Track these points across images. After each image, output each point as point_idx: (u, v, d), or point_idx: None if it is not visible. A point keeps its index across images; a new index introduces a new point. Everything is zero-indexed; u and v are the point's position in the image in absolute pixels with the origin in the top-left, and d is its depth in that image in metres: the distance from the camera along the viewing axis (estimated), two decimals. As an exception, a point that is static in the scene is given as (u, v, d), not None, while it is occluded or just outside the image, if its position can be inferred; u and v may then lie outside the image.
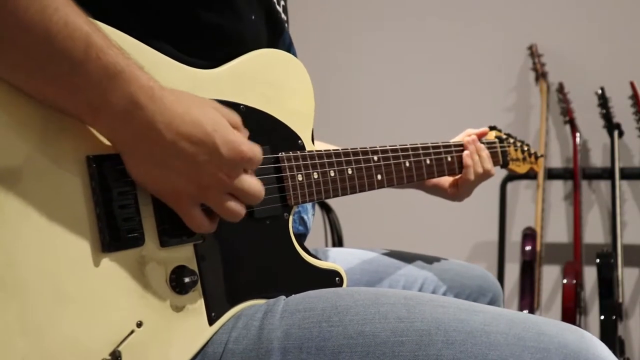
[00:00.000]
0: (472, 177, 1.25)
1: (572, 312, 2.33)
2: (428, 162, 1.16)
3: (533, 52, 2.73)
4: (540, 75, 2.71)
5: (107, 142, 0.74)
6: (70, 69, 0.68)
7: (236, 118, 0.80)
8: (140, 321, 0.74)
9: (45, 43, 0.67)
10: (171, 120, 0.73)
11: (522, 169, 1.47)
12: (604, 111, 2.58)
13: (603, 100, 2.58)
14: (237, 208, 0.80)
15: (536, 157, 1.51)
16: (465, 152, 1.26)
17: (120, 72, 0.70)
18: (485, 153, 1.29)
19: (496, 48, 2.83)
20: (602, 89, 2.59)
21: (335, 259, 1.27)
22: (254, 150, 0.79)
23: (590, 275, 2.63)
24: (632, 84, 2.54)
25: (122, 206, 0.74)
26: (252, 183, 0.80)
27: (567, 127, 2.70)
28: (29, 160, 0.69)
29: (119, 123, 0.72)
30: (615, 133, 2.55)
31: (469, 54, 2.85)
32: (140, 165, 0.74)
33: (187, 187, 0.76)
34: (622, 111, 2.58)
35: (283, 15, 1.09)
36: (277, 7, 1.06)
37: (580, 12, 2.72)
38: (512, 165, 1.42)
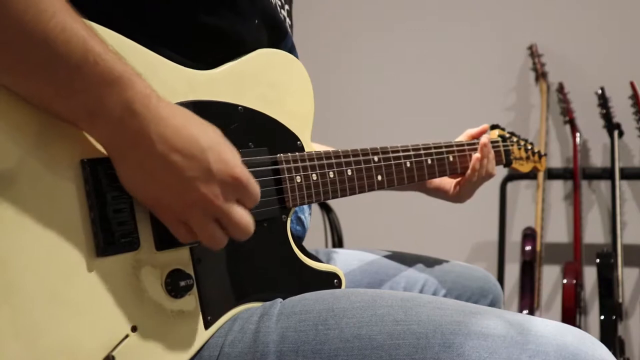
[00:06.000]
0: (475, 178, 1.25)
1: (572, 312, 2.32)
2: (429, 162, 1.15)
3: (533, 52, 2.73)
4: (540, 75, 2.71)
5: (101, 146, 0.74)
6: (67, 73, 0.68)
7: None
8: (135, 325, 0.74)
9: (42, 47, 0.66)
10: (164, 131, 0.72)
11: (525, 167, 1.46)
12: (604, 111, 2.58)
13: (603, 100, 2.58)
14: (219, 236, 0.76)
15: (540, 156, 1.50)
16: (476, 155, 1.25)
17: (117, 78, 0.69)
18: (492, 155, 1.28)
19: (496, 48, 2.82)
20: (602, 89, 2.58)
21: (336, 261, 1.27)
22: (249, 178, 0.76)
23: (590, 275, 2.63)
24: (632, 84, 2.54)
25: (116, 210, 0.74)
26: (241, 214, 0.76)
27: (567, 127, 2.70)
28: (23, 163, 0.68)
29: (113, 129, 0.71)
30: (615, 133, 2.55)
31: (469, 54, 2.84)
32: (129, 173, 0.73)
33: (171, 202, 0.74)
34: (622, 111, 2.58)
35: (287, 20, 1.08)
36: (282, 11, 1.05)
37: (580, 12, 2.72)
38: (515, 164, 1.41)
